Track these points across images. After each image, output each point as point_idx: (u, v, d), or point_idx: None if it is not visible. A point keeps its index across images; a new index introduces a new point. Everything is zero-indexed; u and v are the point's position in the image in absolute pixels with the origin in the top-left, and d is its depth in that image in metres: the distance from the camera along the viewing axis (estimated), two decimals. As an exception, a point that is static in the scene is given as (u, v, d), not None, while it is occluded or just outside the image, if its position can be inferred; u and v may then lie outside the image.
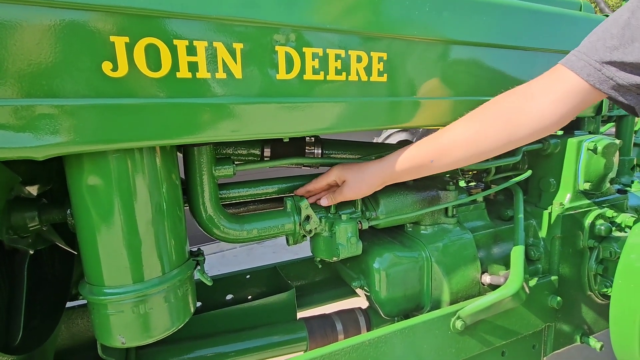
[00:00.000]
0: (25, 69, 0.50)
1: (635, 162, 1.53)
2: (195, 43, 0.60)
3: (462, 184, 1.43)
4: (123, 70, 0.56)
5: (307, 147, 1.04)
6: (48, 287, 0.93)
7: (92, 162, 0.63)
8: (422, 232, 1.06)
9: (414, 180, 1.13)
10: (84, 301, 1.01)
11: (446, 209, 1.07)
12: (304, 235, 0.94)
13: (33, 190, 0.81)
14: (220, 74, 0.63)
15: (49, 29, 0.51)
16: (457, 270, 1.02)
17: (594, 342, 1.20)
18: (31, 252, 0.80)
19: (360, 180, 0.87)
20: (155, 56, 0.58)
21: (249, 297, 1.29)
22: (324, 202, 0.92)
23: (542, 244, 1.18)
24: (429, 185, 1.09)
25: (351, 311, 1.17)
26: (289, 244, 0.96)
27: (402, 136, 2.90)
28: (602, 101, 1.22)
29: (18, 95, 0.50)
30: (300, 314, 1.26)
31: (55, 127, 0.53)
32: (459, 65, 0.89)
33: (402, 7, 0.78)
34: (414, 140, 1.13)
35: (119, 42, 0.55)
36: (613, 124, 1.54)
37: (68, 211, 0.76)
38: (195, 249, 0.84)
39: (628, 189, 1.44)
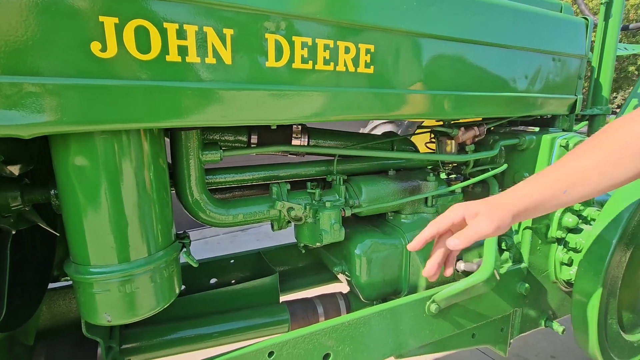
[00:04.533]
0: (13, 45, 0.50)
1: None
2: (185, 27, 0.60)
3: (443, 175, 1.48)
4: (112, 51, 0.56)
5: (293, 135, 1.06)
6: (30, 268, 0.93)
7: (79, 143, 0.63)
8: (402, 220, 1.10)
9: (396, 170, 1.17)
10: (66, 283, 1.01)
11: (426, 199, 1.11)
12: (289, 221, 0.97)
13: (15, 170, 0.80)
14: (210, 59, 0.64)
15: (36, 6, 0.50)
16: (434, 257, 1.07)
17: (557, 326, 1.29)
18: (13, 232, 0.79)
19: (493, 212, 0.72)
20: (145, 38, 0.58)
21: (233, 281, 1.32)
22: (453, 242, 0.71)
23: (514, 235, 1.24)
24: (410, 175, 1.13)
25: (332, 295, 1.21)
26: (273, 229, 0.98)
27: (388, 127, 2.95)
28: (575, 100, 1.28)
29: (4, 72, 0.50)
30: (283, 298, 1.30)
31: (43, 105, 0.53)
32: (444, 60, 0.92)
33: (391, 1, 0.80)
34: (399, 132, 1.16)
35: (109, 23, 0.55)
36: (587, 122, 1.62)
37: (52, 192, 0.76)
38: (182, 232, 0.85)
39: (595, 184, 1.53)
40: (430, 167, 1.35)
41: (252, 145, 1.03)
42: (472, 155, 1.15)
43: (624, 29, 1.85)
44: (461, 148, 1.21)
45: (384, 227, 1.12)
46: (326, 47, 0.74)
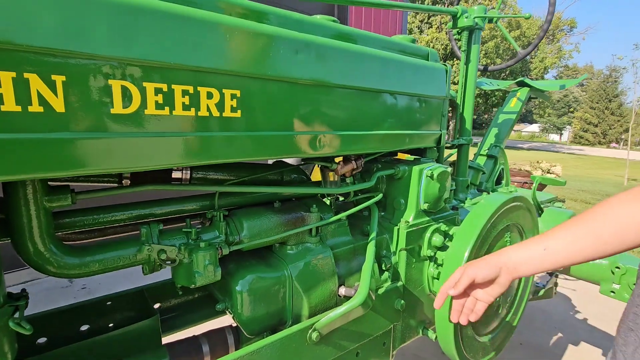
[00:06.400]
0: None
1: (469, 182, 1.89)
2: (-2, 73, 0.54)
3: (339, 200, 1.57)
4: None
5: (173, 170, 1.02)
6: None
7: None
8: (287, 251, 1.13)
9: (281, 201, 1.21)
10: None
11: (310, 229, 1.16)
12: (160, 264, 0.92)
13: None
14: (35, 108, 0.58)
15: None
16: (316, 286, 1.13)
17: (431, 334, 1.46)
18: None
19: (519, 263, 0.82)
20: (-62, 86, 0.50)
21: (111, 325, 1.20)
22: (486, 299, 0.87)
23: (392, 256, 1.37)
24: (294, 207, 1.17)
25: (220, 331, 1.18)
26: (144, 273, 0.92)
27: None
28: (440, 134, 1.48)
29: None
30: (173, 337, 1.22)
31: None
32: (314, 103, 0.98)
33: (255, 48, 0.82)
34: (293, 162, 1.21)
35: None
36: (456, 150, 1.88)
37: None
38: (18, 291, 0.74)
39: (462, 204, 1.78)
40: (320, 195, 1.42)
41: (125, 181, 0.96)
42: (351, 187, 1.25)
43: (485, 69, 2.21)
44: (344, 179, 1.29)
45: (269, 259, 1.13)
46: (185, 92, 0.73)
